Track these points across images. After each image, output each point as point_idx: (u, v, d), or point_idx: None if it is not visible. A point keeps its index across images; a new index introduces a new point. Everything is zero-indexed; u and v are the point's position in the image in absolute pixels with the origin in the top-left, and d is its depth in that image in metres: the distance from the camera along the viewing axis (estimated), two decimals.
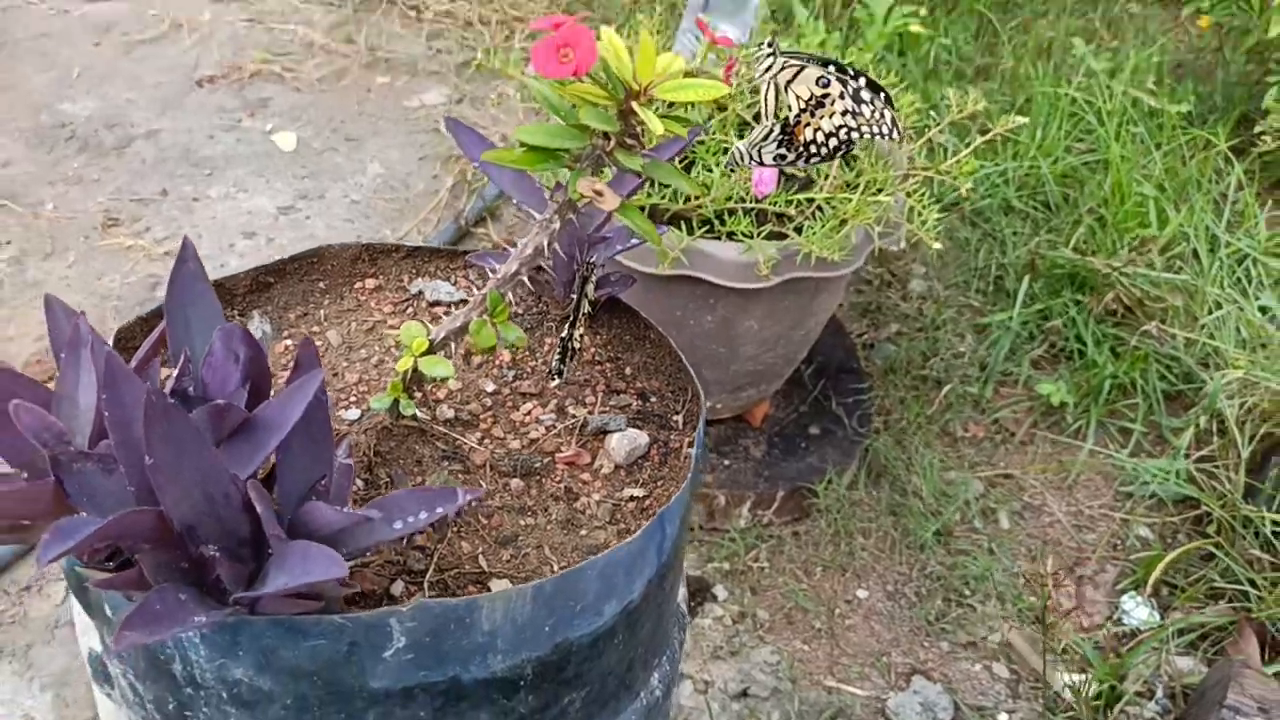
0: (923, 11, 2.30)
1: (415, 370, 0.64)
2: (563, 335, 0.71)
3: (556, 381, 0.73)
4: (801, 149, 0.71)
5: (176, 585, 0.50)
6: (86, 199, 1.95)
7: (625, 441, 0.70)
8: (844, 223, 1.29)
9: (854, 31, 2.27)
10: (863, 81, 0.72)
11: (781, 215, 1.32)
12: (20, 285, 1.79)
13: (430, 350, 0.64)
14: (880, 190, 1.31)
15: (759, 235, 1.28)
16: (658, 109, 0.58)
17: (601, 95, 0.57)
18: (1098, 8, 2.39)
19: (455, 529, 0.64)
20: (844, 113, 0.70)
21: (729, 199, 1.29)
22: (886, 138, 0.73)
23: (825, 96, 0.70)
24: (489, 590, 0.61)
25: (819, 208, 1.31)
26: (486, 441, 0.70)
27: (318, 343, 0.74)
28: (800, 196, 1.30)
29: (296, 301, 0.78)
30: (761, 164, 0.74)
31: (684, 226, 1.27)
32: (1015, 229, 1.87)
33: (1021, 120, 1.35)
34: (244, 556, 0.52)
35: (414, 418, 0.69)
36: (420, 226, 1.92)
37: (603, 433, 0.72)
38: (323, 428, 0.55)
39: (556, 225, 0.63)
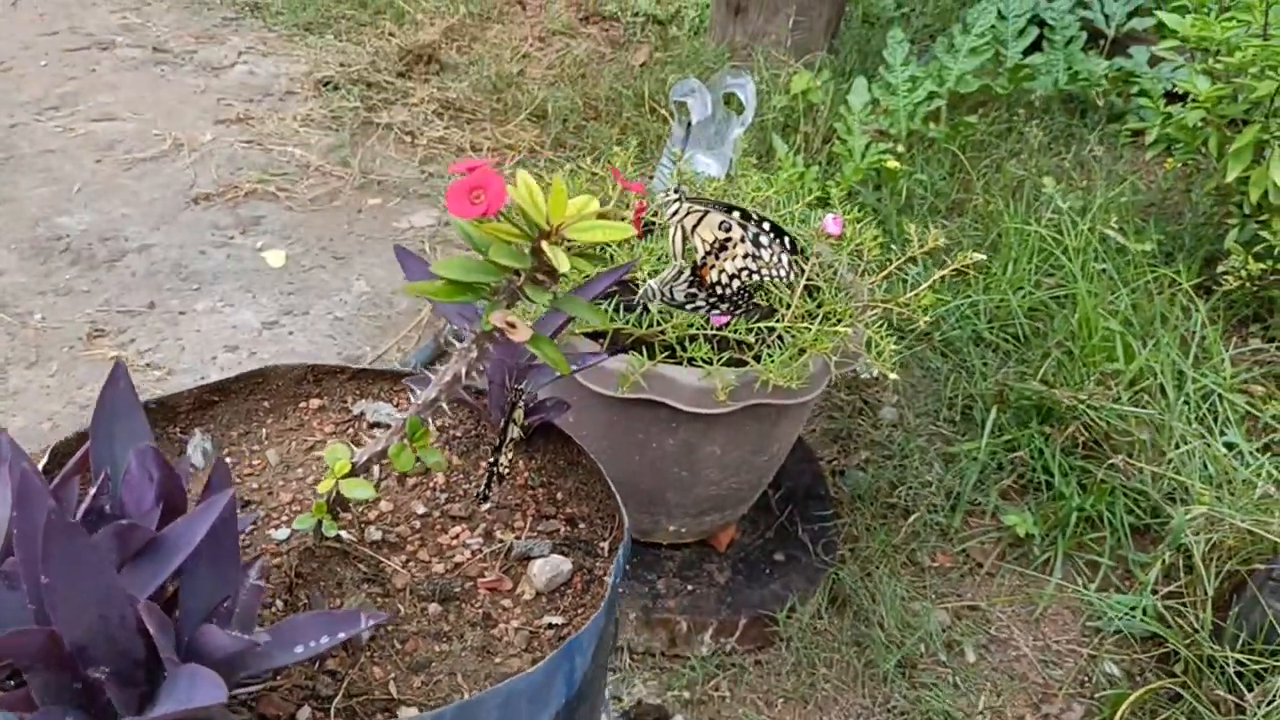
0: (900, 148, 2.37)
1: (340, 492, 0.66)
2: (490, 460, 0.72)
3: (486, 505, 0.74)
4: (709, 289, 0.74)
5: (64, 708, 0.50)
6: (74, 310, 1.98)
7: (548, 568, 0.70)
8: (803, 351, 1.31)
9: (832, 166, 2.33)
10: (766, 226, 0.75)
11: (742, 343, 1.34)
12: (1, 394, 1.81)
13: (353, 473, 0.66)
14: (839, 321, 1.34)
15: (719, 362, 1.30)
16: (573, 249, 0.61)
17: (514, 234, 0.60)
18: (1069, 149, 2.46)
19: (369, 653, 0.64)
20: (744, 255, 0.72)
21: (690, 326, 1.32)
22: (784, 279, 0.75)
23: (728, 240, 0.73)
24: (396, 718, 0.61)
25: (779, 336, 1.34)
26: (411, 564, 0.70)
27: (256, 461, 0.76)
28: (761, 325, 1.33)
29: (239, 420, 0.79)
30: (674, 302, 0.76)
31: (645, 351, 1.30)
32: (985, 360, 1.89)
33: (979, 256, 1.39)
34: (138, 679, 0.53)
35: (338, 539, 0.70)
36: (401, 344, 1.95)
37: (526, 559, 0.72)
38: (229, 548, 0.56)
39: (474, 354, 0.65)
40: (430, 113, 2.59)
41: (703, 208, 0.73)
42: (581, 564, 0.74)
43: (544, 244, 0.59)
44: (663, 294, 0.76)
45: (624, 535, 0.73)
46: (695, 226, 0.73)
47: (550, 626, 0.68)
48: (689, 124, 2.03)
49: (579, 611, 0.70)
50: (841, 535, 1.63)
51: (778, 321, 1.33)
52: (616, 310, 1.33)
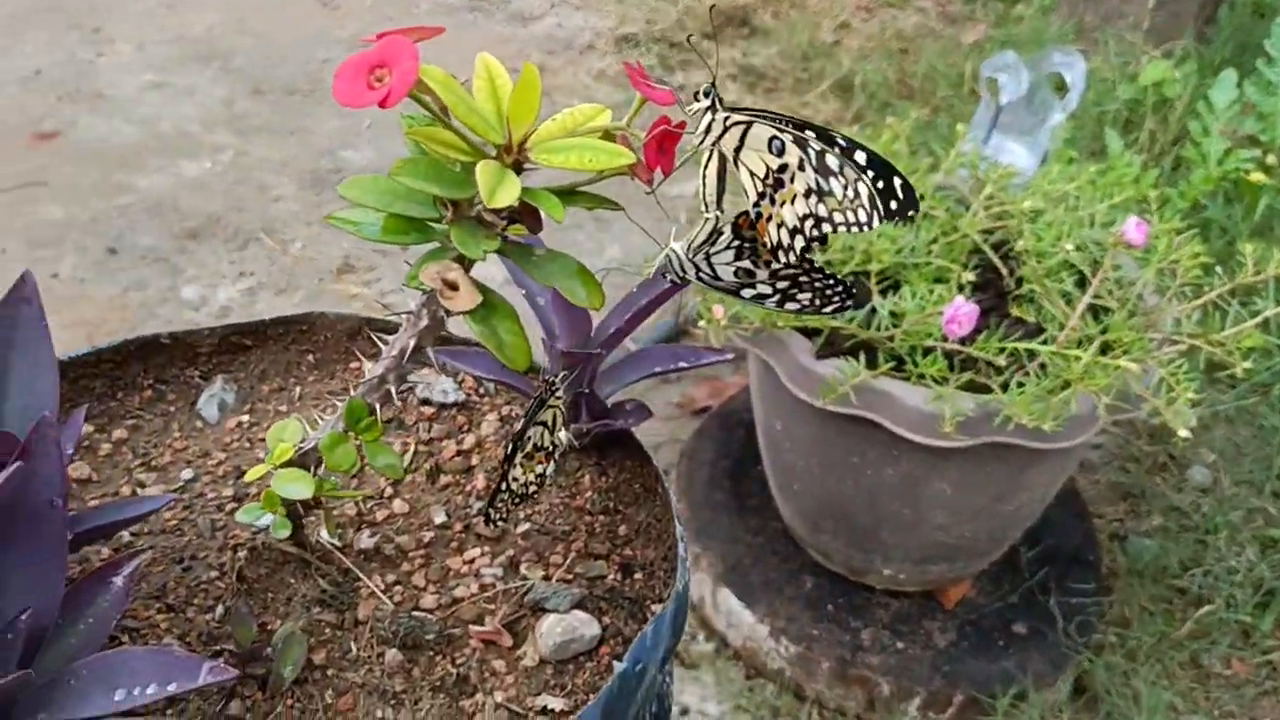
0: (1270, 159, 1.96)
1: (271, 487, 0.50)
2: (502, 468, 0.55)
3: (500, 527, 0.57)
4: (769, 259, 0.52)
5: None
6: (334, 243, 1.98)
7: (560, 629, 0.52)
8: (1066, 386, 1.04)
9: (1178, 172, 1.96)
10: (839, 143, 0.49)
11: (993, 364, 1.08)
12: (247, 318, 1.82)
13: (292, 463, 0.50)
14: (1125, 353, 1.05)
15: (955, 382, 1.05)
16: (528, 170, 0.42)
17: (451, 144, 0.41)
18: None
19: (290, 700, 0.49)
20: (806, 193, 0.49)
21: (929, 335, 1.07)
22: (864, 227, 0.48)
23: (782, 171, 0.49)
24: None
25: (1042, 364, 1.07)
26: (396, 589, 0.54)
27: (296, 419, 0.62)
28: (1021, 345, 1.06)
29: (276, 372, 0.66)
30: (716, 281, 0.54)
31: (866, 359, 1.07)
32: None
33: None
34: None
35: (296, 541, 0.55)
36: None
37: (540, 609, 0.54)
38: (45, 541, 0.42)
39: (424, 323, 0.48)
40: (726, 76, 2.42)
41: (747, 117, 0.50)
42: (619, 630, 0.54)
43: (483, 164, 0.40)
44: (696, 268, 0.55)
45: (671, 600, 0.52)
46: (738, 150, 0.50)
47: (544, 712, 0.50)
48: (998, 105, 1.74)
49: (591, 695, 0.51)
50: (1105, 615, 1.32)
51: (1043, 343, 1.06)
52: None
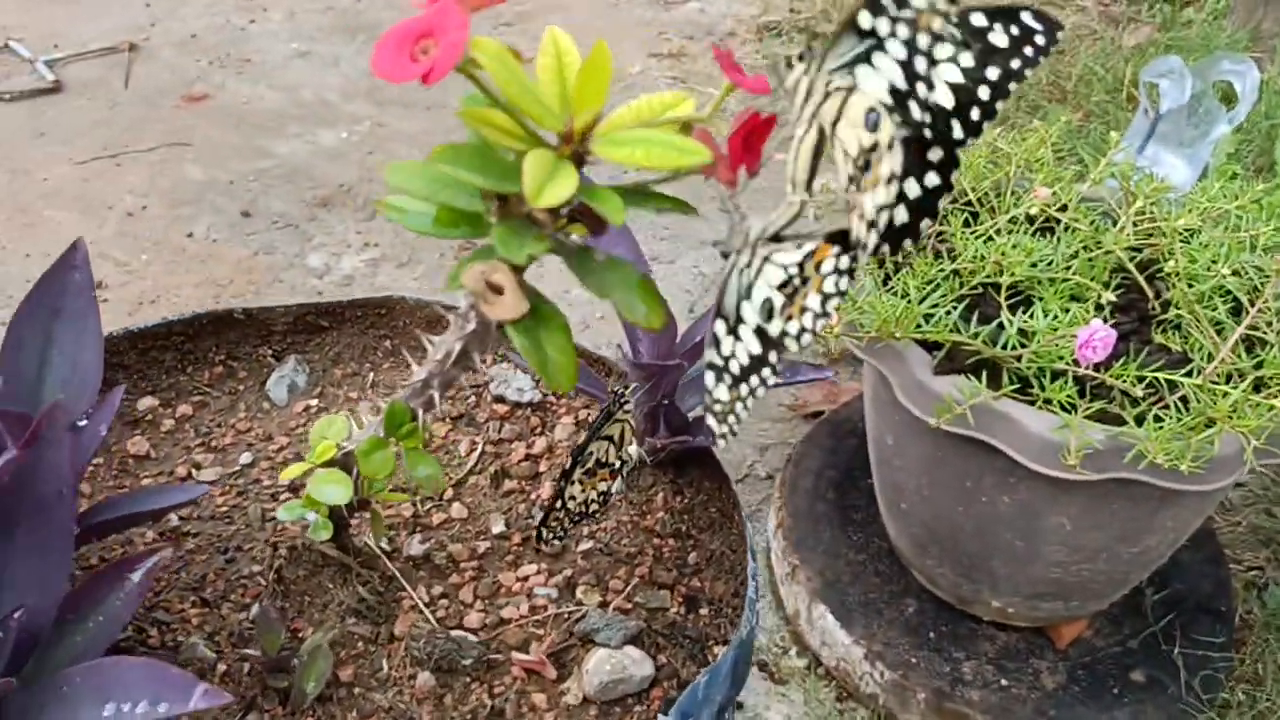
0: None
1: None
2: (557, 485, 0.51)
3: (555, 545, 0.53)
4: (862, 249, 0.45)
5: None
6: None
7: (609, 667, 0.48)
8: (1211, 424, 0.95)
9: None
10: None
11: (1129, 394, 1.00)
12: (368, 288, 1.83)
13: (334, 462, 0.47)
14: None
15: (1084, 411, 0.97)
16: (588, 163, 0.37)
17: (507, 130, 0.37)
18: None
19: (313, 714, 0.46)
20: (889, 179, 0.42)
21: (1059, 358, 1.00)
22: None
23: (874, 149, 0.43)
24: None
25: (1184, 398, 0.98)
26: (441, 603, 0.51)
27: (344, 414, 0.59)
28: (1162, 375, 0.98)
29: (351, 356, 0.63)
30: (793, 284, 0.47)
31: (988, 378, 1.00)
32: None
33: None
34: None
35: (338, 544, 0.51)
36: None
37: (590, 641, 0.50)
38: (53, 536, 0.39)
39: (469, 327, 0.44)
40: None
41: (847, 84, 0.44)
42: (675, 671, 0.50)
43: (533, 154, 0.36)
44: (761, 259, 0.48)
45: (732, 648, 0.47)
46: (836, 121, 0.44)
47: None
48: (1157, 113, 1.63)
49: None
50: (1234, 671, 1.22)
51: (1187, 375, 0.98)
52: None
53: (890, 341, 1.04)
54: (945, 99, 0.44)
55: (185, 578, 0.52)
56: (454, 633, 0.51)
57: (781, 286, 0.44)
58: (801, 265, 0.45)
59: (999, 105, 0.45)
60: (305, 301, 0.65)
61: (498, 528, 0.56)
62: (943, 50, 0.42)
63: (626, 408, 0.53)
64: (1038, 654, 1.21)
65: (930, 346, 1.05)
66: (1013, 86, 0.44)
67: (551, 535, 0.53)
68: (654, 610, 0.53)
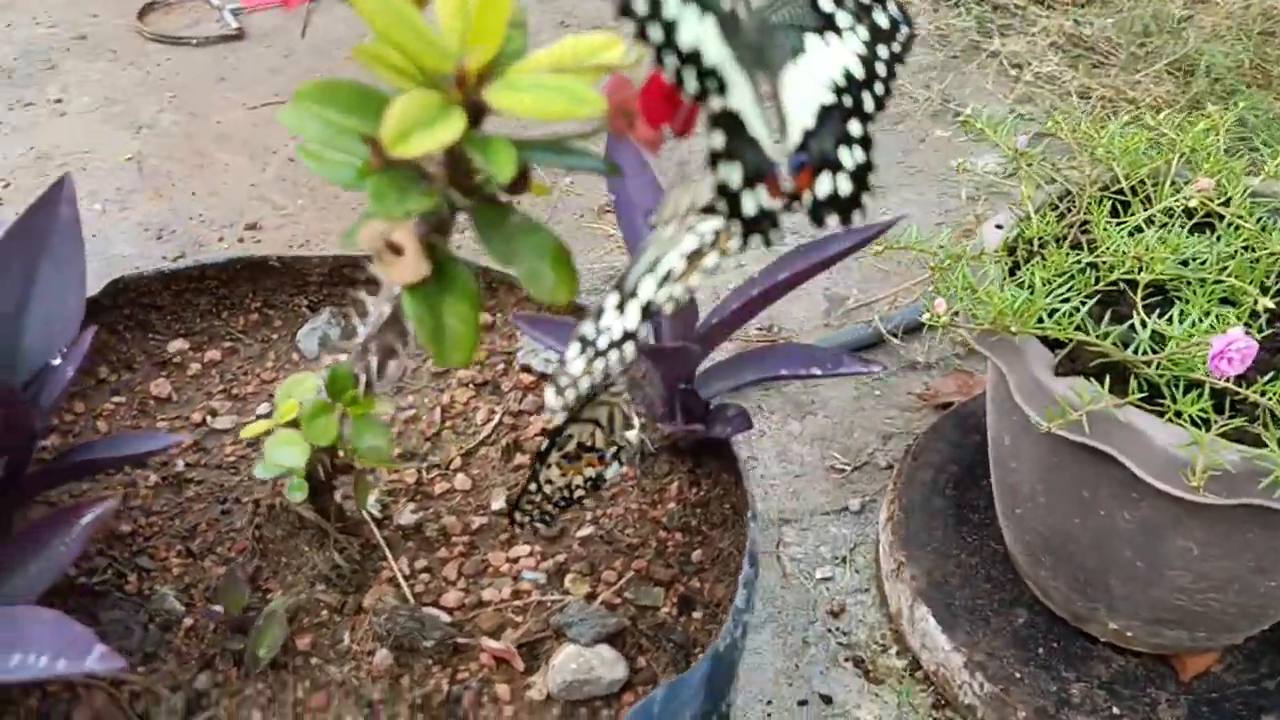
0: None
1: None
2: (533, 469, 0.47)
3: (536, 529, 0.50)
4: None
5: None
6: (602, 182, 1.96)
7: (574, 666, 0.44)
8: None
9: None
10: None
11: (1274, 413, 0.90)
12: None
13: (294, 423, 0.45)
14: None
15: (1217, 428, 0.88)
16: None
17: (400, 70, 0.33)
18: None
19: (261, 686, 0.44)
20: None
21: (1189, 366, 0.90)
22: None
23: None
24: None
25: None
26: (420, 577, 0.49)
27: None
28: None
29: None
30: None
31: (1109, 383, 0.91)
32: None
33: None
34: None
35: (317, 507, 0.50)
36: (899, 296, 1.67)
37: (563, 636, 0.47)
38: None
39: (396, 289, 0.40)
40: (1048, 46, 2.20)
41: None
42: (653, 676, 0.46)
43: (409, 94, 0.32)
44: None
45: (704, 661, 0.43)
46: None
47: None
48: None
49: None
50: None
51: None
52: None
53: (1006, 334, 0.97)
54: (856, 68, 0.41)
55: (178, 525, 0.52)
56: (424, 610, 0.49)
57: (692, 255, 0.40)
58: (719, 234, 0.41)
59: (890, 88, 0.43)
60: (341, 254, 0.63)
61: (498, 504, 0.54)
62: (843, 18, 0.41)
63: (614, 390, 0.49)
64: (1157, 683, 1.12)
65: (1055, 344, 0.97)
66: (895, 76, 0.43)
67: (526, 519, 0.50)
68: (644, 608, 0.50)
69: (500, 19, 0.35)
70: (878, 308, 1.66)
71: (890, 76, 0.44)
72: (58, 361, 0.48)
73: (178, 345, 0.62)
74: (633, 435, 0.50)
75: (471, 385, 0.59)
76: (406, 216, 0.36)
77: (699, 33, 0.35)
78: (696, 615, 0.50)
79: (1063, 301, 0.94)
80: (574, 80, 0.35)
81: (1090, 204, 1.08)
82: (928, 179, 1.93)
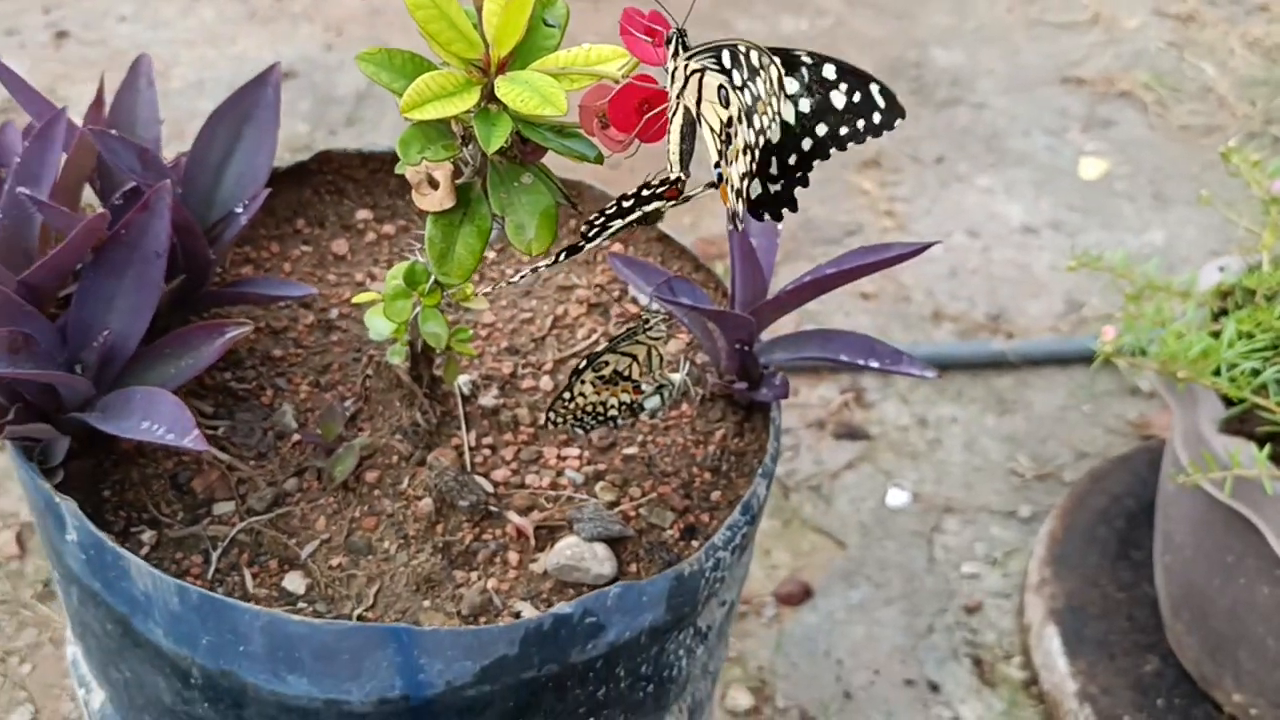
0: None
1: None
2: (570, 381, 0.53)
3: (570, 433, 0.56)
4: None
5: None
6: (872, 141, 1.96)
7: (569, 553, 0.51)
8: None
9: None
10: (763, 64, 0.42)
11: None
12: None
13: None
14: None
15: None
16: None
17: (449, 46, 0.38)
18: None
19: (332, 499, 0.53)
20: (745, 149, 0.41)
21: None
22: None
23: (730, 124, 0.41)
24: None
25: None
26: (484, 450, 0.56)
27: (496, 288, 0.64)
28: None
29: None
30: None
31: (1267, 450, 0.88)
32: None
33: None
34: None
35: (413, 374, 0.58)
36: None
37: (568, 528, 0.54)
38: (145, 285, 0.49)
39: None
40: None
41: (698, 64, 0.42)
42: (636, 579, 0.53)
43: (434, 72, 0.38)
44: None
45: (665, 579, 0.48)
46: (699, 100, 0.42)
47: (516, 615, 0.50)
48: None
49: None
50: None
51: None
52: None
53: (1192, 382, 0.95)
54: (773, 133, 0.43)
55: (316, 361, 0.62)
56: (473, 477, 0.57)
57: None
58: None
59: (814, 163, 0.45)
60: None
61: None
62: (791, 85, 0.44)
63: (652, 333, 0.55)
64: None
65: (1233, 401, 0.94)
66: (833, 151, 0.45)
67: (558, 420, 0.57)
68: (652, 526, 0.56)
69: (518, 20, 0.41)
70: (1094, 327, 1.61)
71: (817, 154, 0.46)
72: (240, 210, 0.59)
73: (363, 214, 0.73)
74: (677, 377, 0.56)
75: (587, 304, 0.66)
76: (419, 162, 0.44)
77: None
78: (694, 544, 0.56)
79: (1247, 354, 0.91)
80: (550, 83, 0.40)
81: None
82: (1222, 203, 1.82)
